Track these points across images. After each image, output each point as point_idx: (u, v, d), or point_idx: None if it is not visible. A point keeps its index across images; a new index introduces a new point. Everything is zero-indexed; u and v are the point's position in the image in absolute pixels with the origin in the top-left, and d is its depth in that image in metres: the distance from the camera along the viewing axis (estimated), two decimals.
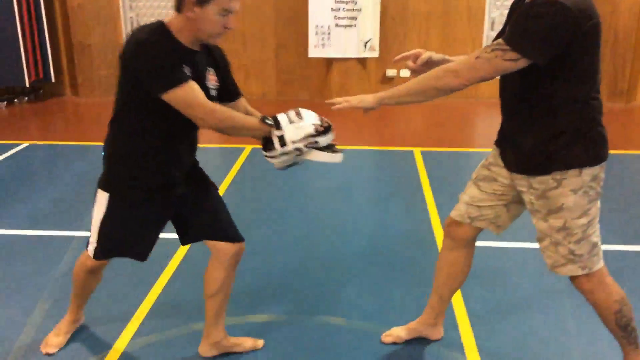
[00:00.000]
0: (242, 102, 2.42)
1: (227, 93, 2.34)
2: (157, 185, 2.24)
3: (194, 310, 2.91)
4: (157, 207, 2.29)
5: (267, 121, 2.07)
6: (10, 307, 2.96)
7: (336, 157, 2.15)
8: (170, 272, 3.27)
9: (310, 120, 2.06)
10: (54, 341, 2.62)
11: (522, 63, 1.88)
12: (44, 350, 2.60)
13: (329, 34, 7.43)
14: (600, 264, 2.12)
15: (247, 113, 2.36)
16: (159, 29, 2.06)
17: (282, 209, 4.24)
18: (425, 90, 2.06)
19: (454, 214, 2.41)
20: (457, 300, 2.98)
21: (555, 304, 2.99)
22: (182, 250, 3.49)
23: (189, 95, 2.01)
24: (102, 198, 2.26)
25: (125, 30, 7.97)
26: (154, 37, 2.02)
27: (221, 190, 4.48)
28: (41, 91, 7.99)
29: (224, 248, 2.38)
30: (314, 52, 7.54)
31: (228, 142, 5.83)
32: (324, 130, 2.06)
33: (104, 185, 2.27)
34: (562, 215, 2.03)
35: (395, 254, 3.55)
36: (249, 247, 3.62)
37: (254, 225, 3.96)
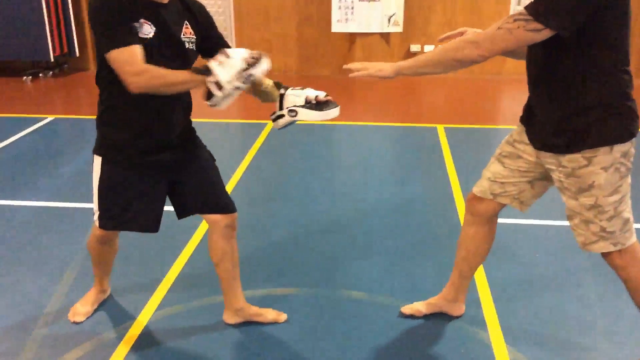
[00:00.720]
0: None
1: (214, 47, 2.27)
2: (142, 147, 2.24)
3: (215, 283, 2.94)
4: (146, 170, 2.29)
5: (198, 70, 2.06)
6: (38, 277, 3.02)
7: (330, 114, 2.14)
8: (194, 245, 3.31)
9: (238, 56, 2.04)
10: (81, 310, 2.68)
11: (546, 34, 1.83)
12: (72, 318, 2.66)
13: (353, 8, 7.36)
14: (633, 239, 2.09)
15: None
16: None
17: (304, 184, 4.25)
18: (444, 61, 2.01)
19: (476, 189, 2.40)
20: (480, 277, 2.98)
21: (578, 282, 2.97)
22: (204, 224, 3.52)
23: (125, 58, 2.00)
24: (96, 163, 2.30)
25: None
26: None
27: (243, 165, 4.51)
28: (66, 65, 8.05)
29: (217, 220, 2.41)
30: (337, 27, 7.49)
31: (250, 117, 5.84)
32: (255, 61, 2.04)
33: (95, 149, 2.31)
34: (593, 194, 2.00)
35: (418, 229, 3.55)
36: (273, 221, 3.66)
37: (276, 200, 3.99)
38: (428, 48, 7.63)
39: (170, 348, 2.50)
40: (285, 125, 2.23)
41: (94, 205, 2.36)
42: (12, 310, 2.74)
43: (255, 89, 2.28)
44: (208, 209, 2.41)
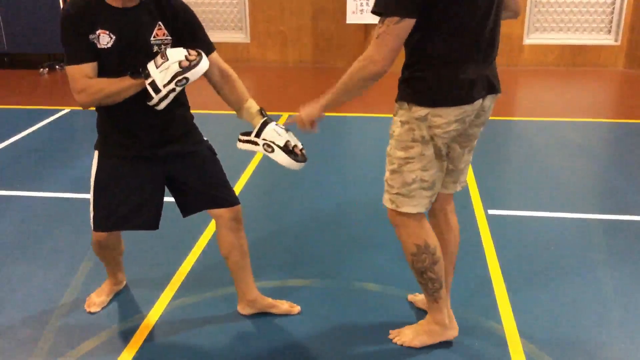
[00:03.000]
0: (213, 58, 2.29)
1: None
2: (135, 143, 2.27)
3: (228, 274, 2.95)
4: (141, 163, 2.31)
5: (136, 75, 2.10)
6: (55, 267, 3.06)
7: (298, 165, 2.28)
8: (208, 236, 3.32)
9: (175, 58, 2.07)
10: (96, 300, 2.71)
11: (408, 22, 1.93)
12: (87, 309, 2.69)
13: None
14: (410, 209, 2.20)
15: (220, 69, 2.33)
16: None
17: (318, 176, 4.25)
18: (356, 86, 2.07)
19: None
20: (495, 270, 2.97)
21: (594, 275, 2.94)
22: None
23: (72, 76, 2.11)
24: (94, 158, 2.36)
25: None
26: (70, 5, 2.09)
27: (255, 159, 4.51)
28: None
29: (221, 214, 2.42)
30: (352, 18, 7.45)
31: (265, 109, 5.83)
32: (190, 64, 2.06)
33: (95, 144, 2.37)
34: (391, 142, 2.18)
35: None
36: (286, 213, 3.67)
37: (290, 192, 3.99)
38: None
39: (184, 338, 2.52)
40: (247, 150, 2.31)
41: (90, 206, 2.38)
42: (29, 300, 2.78)
43: (236, 105, 2.37)
44: (209, 204, 2.42)
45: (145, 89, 2.09)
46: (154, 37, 2.17)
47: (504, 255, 3.11)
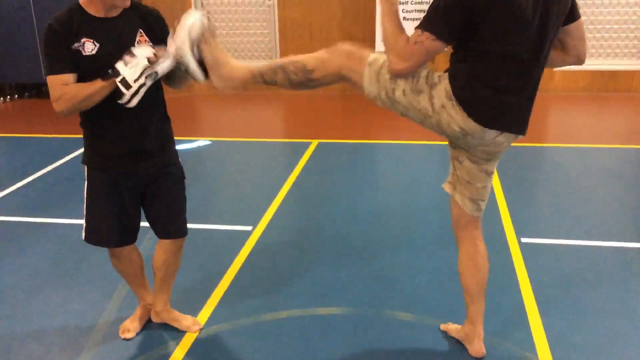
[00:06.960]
0: None
1: None
2: (107, 152, 2.39)
3: (261, 301, 2.97)
4: (118, 180, 2.42)
5: (106, 76, 2.18)
6: (91, 293, 3.10)
7: (197, 75, 2.26)
8: (240, 262, 3.35)
9: (142, 54, 2.18)
10: (130, 327, 2.74)
11: (441, 45, 1.98)
12: (122, 335, 2.71)
13: None
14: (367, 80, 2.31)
15: None
16: (69, 7, 2.24)
17: (349, 202, 4.25)
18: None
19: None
20: (529, 298, 2.92)
21: (632, 304, 2.88)
22: (250, 243, 3.57)
23: (52, 85, 2.22)
24: (85, 173, 2.48)
25: None
26: (53, 20, 2.21)
27: (287, 185, 4.54)
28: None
29: (165, 240, 2.62)
30: (382, 47, 7.51)
31: (294, 136, 5.89)
32: (157, 58, 2.18)
33: (82, 158, 2.49)
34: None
35: None
36: (316, 240, 3.67)
37: (320, 218, 4.00)
38: None
39: None
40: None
41: (84, 219, 2.52)
42: (66, 326, 2.82)
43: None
44: (161, 234, 2.61)
45: (117, 90, 2.19)
46: (137, 42, 2.29)
47: (538, 284, 3.06)
